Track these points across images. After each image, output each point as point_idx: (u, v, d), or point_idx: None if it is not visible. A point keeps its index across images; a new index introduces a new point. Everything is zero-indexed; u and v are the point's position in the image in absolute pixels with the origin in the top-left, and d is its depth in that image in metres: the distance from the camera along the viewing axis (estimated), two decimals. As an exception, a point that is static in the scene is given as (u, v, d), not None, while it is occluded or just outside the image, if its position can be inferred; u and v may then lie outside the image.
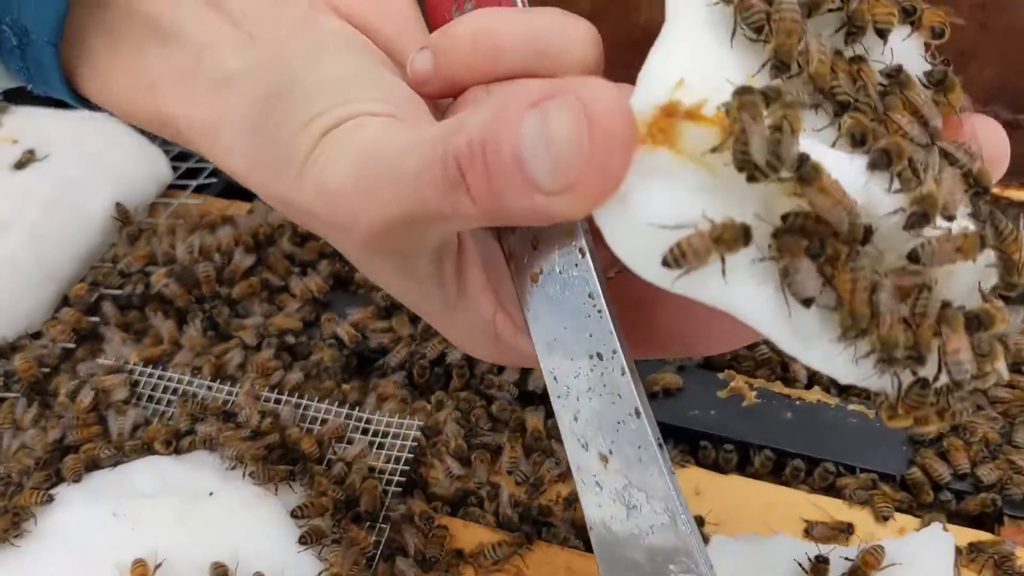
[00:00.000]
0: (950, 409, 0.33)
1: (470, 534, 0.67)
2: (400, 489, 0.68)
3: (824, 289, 0.31)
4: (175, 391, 0.76)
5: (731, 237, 0.30)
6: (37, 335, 0.85)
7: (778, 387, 0.76)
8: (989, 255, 0.34)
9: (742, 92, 0.30)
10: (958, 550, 0.61)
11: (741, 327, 0.33)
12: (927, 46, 0.38)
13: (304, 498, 0.64)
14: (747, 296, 0.31)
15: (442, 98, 0.44)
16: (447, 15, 0.47)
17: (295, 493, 0.66)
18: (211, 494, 0.64)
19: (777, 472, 0.72)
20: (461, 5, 0.47)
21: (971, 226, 0.33)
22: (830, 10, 0.36)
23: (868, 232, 0.31)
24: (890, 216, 0.31)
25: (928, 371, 0.31)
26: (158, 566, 0.59)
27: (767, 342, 0.62)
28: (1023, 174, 0.90)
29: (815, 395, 0.75)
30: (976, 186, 0.35)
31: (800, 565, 0.58)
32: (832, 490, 0.69)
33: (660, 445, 0.38)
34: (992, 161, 0.37)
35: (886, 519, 0.66)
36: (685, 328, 0.42)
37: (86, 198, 0.95)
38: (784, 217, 0.32)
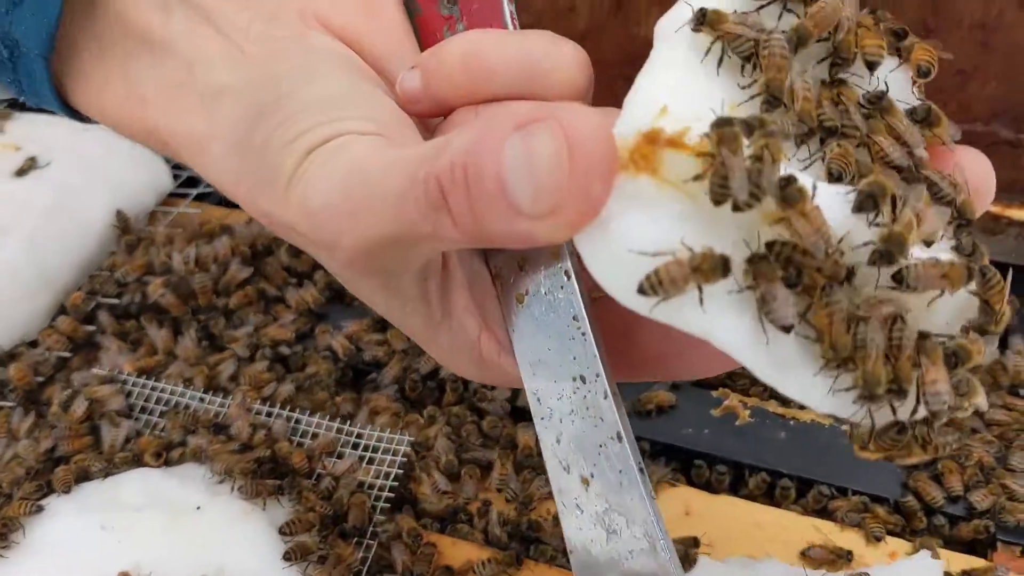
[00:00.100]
0: (932, 442, 0.33)
1: (459, 551, 0.67)
2: (389, 505, 0.68)
3: (803, 319, 0.31)
4: (167, 402, 0.76)
5: (709, 267, 0.30)
6: (33, 344, 0.85)
7: (772, 406, 0.75)
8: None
9: (721, 124, 0.30)
10: (949, 576, 0.61)
11: (724, 353, 0.33)
12: (915, 80, 0.38)
13: (291, 514, 0.64)
14: (725, 324, 0.31)
15: (431, 117, 0.44)
16: (439, 34, 0.47)
17: (283, 508, 0.65)
18: (198, 508, 0.63)
19: (770, 492, 0.71)
20: (453, 25, 0.47)
21: (955, 258, 0.33)
22: (817, 40, 0.36)
23: (851, 273, 0.31)
24: (861, 248, 0.31)
25: (907, 407, 0.31)
26: (144, 579, 0.59)
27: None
28: (1024, 193, 0.91)
29: (810, 414, 0.75)
30: (960, 218, 0.35)
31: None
32: (825, 512, 0.69)
33: (641, 470, 0.38)
34: (978, 193, 0.37)
35: (878, 540, 0.65)
36: (668, 352, 0.42)
37: (86, 206, 0.95)
38: (770, 246, 0.31)
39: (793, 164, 0.34)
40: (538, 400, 0.41)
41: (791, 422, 0.74)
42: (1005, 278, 0.76)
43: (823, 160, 0.34)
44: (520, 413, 0.77)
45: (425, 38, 0.48)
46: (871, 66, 0.36)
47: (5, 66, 0.46)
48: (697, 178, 0.31)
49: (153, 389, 0.77)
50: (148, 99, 0.45)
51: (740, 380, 0.77)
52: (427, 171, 0.33)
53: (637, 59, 0.36)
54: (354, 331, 0.83)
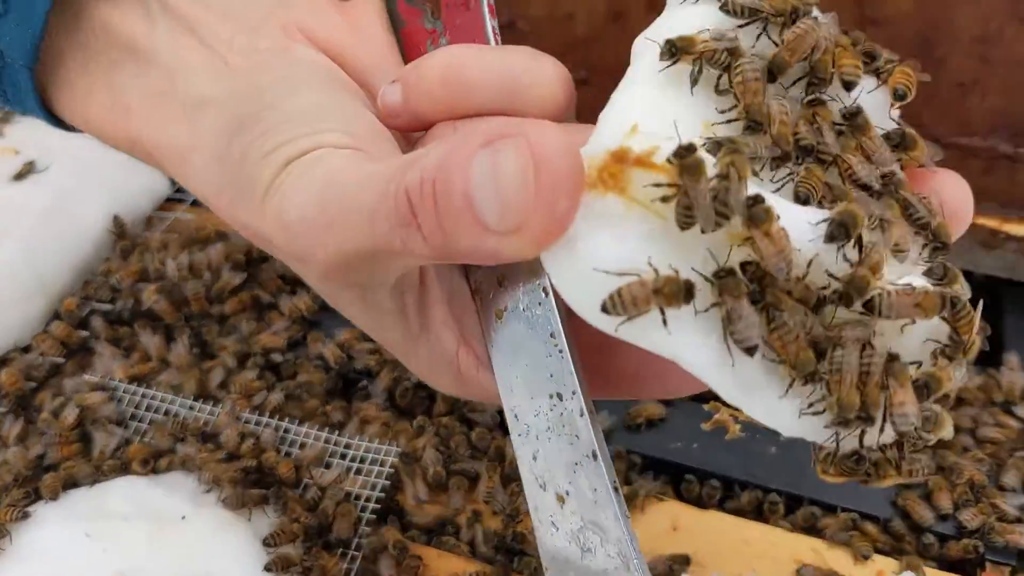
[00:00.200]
0: (907, 466, 0.33)
1: (444, 564, 0.66)
2: (375, 517, 0.68)
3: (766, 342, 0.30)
4: (158, 409, 0.76)
5: (671, 291, 0.29)
6: (27, 349, 0.85)
7: (763, 421, 0.75)
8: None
9: (682, 154, 0.30)
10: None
11: (696, 373, 0.32)
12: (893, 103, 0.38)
13: (276, 524, 0.64)
14: (691, 344, 0.31)
15: (412, 131, 0.44)
16: (423, 48, 0.47)
17: (269, 518, 0.65)
18: (183, 518, 0.63)
19: (759, 508, 0.71)
20: (436, 39, 0.47)
21: (927, 283, 0.33)
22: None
23: (820, 302, 0.31)
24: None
25: (874, 432, 0.31)
26: (128, 588, 0.59)
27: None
28: (1023, 207, 0.90)
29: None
30: (935, 241, 0.34)
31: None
32: (814, 530, 0.68)
33: (616, 488, 0.38)
34: (955, 217, 0.36)
35: (866, 558, 0.65)
36: (645, 370, 0.42)
37: (83, 210, 0.95)
38: (744, 265, 0.31)
39: (766, 186, 0.34)
40: (516, 417, 0.41)
41: (781, 437, 0.73)
42: (1000, 292, 0.74)
43: (793, 182, 0.34)
44: (510, 425, 0.77)
45: (409, 51, 0.48)
46: (847, 86, 0.36)
47: (-10, 76, 0.46)
48: (665, 199, 0.30)
49: (144, 396, 0.77)
50: (132, 109, 0.45)
51: (732, 394, 0.77)
52: (397, 185, 0.33)
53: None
54: (346, 339, 0.82)
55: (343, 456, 0.72)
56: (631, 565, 0.38)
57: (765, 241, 0.29)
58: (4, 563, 0.62)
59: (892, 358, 0.31)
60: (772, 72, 0.35)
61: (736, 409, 0.78)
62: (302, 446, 0.72)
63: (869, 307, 0.32)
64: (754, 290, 0.30)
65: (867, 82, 0.38)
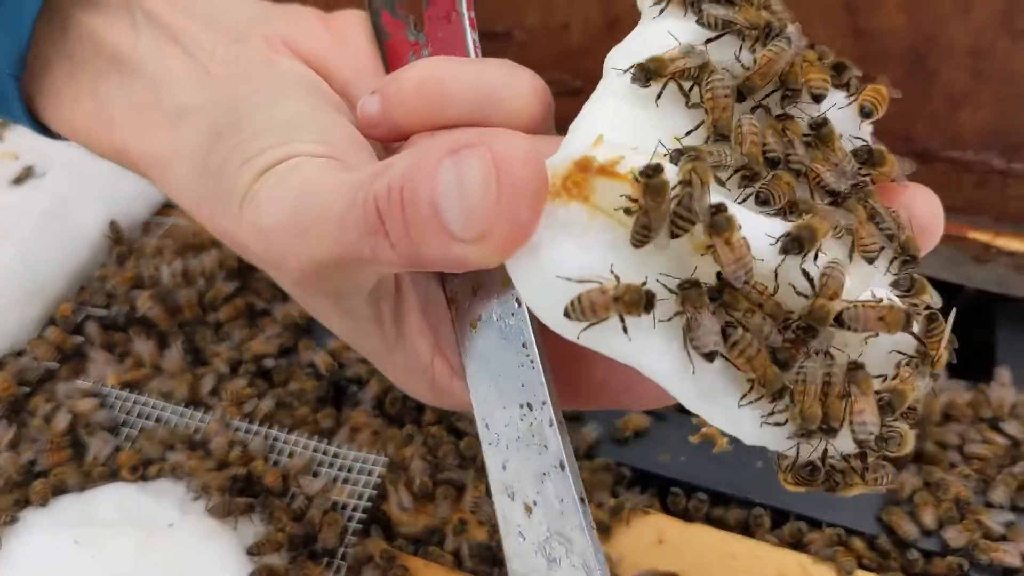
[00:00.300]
0: (871, 475, 0.33)
1: (431, 574, 0.66)
2: (362, 526, 0.68)
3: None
4: (149, 416, 0.77)
5: (631, 300, 0.30)
6: (20, 354, 0.86)
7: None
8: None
9: (650, 174, 0.30)
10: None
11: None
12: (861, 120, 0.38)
13: (261, 533, 0.64)
14: (651, 352, 0.31)
15: (390, 142, 0.45)
16: (405, 59, 0.48)
17: (255, 526, 0.65)
18: (171, 525, 0.63)
19: (745, 522, 0.71)
20: (419, 51, 0.48)
21: (893, 296, 0.33)
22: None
23: (786, 327, 0.31)
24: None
25: (839, 442, 0.31)
26: (114, 595, 0.59)
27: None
28: (1015, 222, 0.90)
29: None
30: (904, 254, 0.34)
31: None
32: (800, 545, 0.68)
33: (582, 500, 0.38)
34: (925, 231, 0.37)
35: (849, 574, 0.65)
36: (616, 382, 0.42)
37: (80, 215, 0.96)
38: (717, 282, 0.31)
39: (733, 196, 0.34)
40: (486, 426, 0.41)
41: (768, 451, 0.73)
42: (993, 307, 0.74)
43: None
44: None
45: (393, 63, 0.49)
46: (816, 99, 0.36)
47: (-24, 85, 0.46)
48: (627, 211, 0.31)
49: (135, 403, 0.78)
50: (116, 119, 0.46)
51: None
52: (365, 194, 0.34)
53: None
54: (337, 347, 0.83)
55: (331, 465, 0.72)
56: (594, 576, 0.38)
57: (725, 249, 0.30)
58: (-8, 569, 0.63)
59: (856, 366, 0.31)
60: (742, 93, 0.35)
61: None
62: (291, 455, 0.73)
63: (836, 319, 0.32)
64: (712, 290, 0.30)
65: (839, 98, 0.38)
